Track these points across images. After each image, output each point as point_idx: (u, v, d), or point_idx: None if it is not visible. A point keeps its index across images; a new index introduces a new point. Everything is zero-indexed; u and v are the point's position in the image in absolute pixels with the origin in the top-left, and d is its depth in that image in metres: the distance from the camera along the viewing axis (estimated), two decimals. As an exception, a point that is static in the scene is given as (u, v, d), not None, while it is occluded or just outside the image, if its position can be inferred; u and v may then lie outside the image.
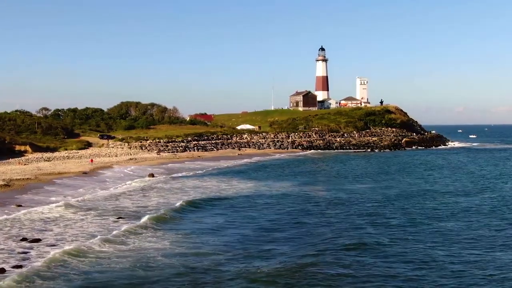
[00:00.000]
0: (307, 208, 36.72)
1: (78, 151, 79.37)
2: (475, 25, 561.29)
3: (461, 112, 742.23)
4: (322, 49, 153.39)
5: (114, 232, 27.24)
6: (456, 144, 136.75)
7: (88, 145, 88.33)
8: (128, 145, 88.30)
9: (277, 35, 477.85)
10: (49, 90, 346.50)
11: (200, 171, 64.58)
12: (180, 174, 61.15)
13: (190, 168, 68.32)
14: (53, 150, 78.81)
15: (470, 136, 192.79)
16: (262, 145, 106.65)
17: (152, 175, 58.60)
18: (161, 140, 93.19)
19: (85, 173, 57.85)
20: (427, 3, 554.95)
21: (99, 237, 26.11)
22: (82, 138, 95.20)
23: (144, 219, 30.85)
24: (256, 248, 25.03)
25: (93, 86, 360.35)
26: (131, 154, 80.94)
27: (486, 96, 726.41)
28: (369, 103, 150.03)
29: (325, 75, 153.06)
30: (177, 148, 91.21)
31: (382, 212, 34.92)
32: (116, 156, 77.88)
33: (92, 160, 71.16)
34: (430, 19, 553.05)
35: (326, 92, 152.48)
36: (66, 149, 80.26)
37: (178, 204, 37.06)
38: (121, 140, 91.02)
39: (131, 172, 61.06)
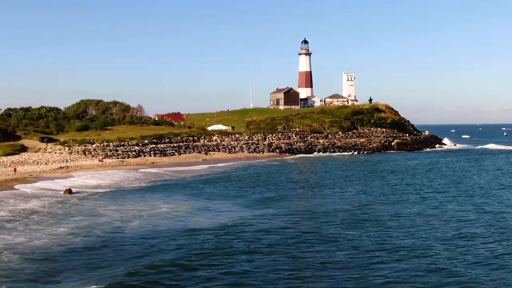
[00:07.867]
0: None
1: (1, 157, 65.29)
2: (468, 24, 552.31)
3: (452, 112, 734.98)
4: (306, 41, 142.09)
5: None
6: (452, 145, 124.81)
7: (23, 149, 74.14)
8: (69, 149, 73.98)
9: (257, 27, 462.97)
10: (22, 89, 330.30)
11: (135, 184, 50.82)
12: (107, 187, 47.91)
13: (128, 178, 54.60)
14: (-28, 156, 64.82)
15: (463, 136, 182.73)
16: (234, 149, 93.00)
17: (69, 191, 45.07)
18: (111, 144, 78.81)
19: (-20, 188, 44.41)
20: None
21: None
22: (21, 141, 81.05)
23: None
24: None
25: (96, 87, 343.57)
26: (67, 161, 67.06)
27: (478, 95, 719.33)
28: (356, 101, 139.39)
29: (308, 70, 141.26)
30: (129, 153, 76.86)
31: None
32: (46, 163, 64.08)
33: (15, 169, 57.82)
34: (423, 15, 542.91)
35: (309, 89, 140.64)
36: (-11, 155, 66.29)
37: None
38: (62, 143, 76.73)
39: (46, 186, 47.62)
